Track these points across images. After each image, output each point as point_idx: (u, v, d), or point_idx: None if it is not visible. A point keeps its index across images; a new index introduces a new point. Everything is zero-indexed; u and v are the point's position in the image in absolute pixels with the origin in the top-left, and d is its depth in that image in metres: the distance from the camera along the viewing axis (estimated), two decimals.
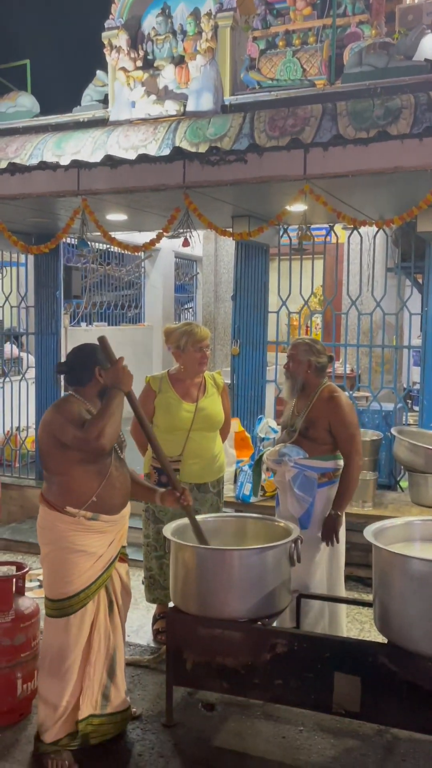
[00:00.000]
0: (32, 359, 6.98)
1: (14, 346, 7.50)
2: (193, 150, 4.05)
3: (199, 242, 9.27)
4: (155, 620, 4.20)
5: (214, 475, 4.02)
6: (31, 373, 6.86)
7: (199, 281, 11.25)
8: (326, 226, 5.73)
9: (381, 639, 3.02)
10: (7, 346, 7.36)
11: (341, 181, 3.80)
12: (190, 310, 12.59)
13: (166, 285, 10.72)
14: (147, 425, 3.18)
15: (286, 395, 3.87)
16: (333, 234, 5.69)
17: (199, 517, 3.39)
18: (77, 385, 3.05)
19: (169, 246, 10.31)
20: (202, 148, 4.05)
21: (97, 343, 3.03)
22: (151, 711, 3.37)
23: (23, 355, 7.43)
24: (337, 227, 5.90)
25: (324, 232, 5.85)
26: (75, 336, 8.20)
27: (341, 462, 3.73)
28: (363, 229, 5.55)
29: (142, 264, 10.53)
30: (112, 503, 3.00)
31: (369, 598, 4.77)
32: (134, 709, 3.30)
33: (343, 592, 3.84)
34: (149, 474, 3.98)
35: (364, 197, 4.39)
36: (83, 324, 9.56)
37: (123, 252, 10.53)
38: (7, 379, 6.82)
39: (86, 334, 8.51)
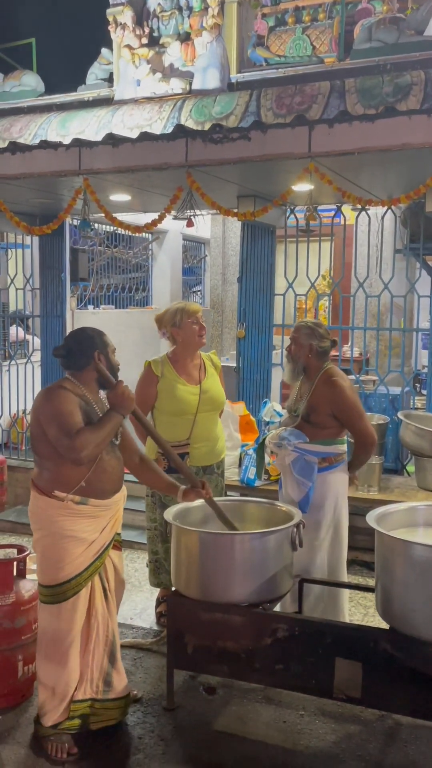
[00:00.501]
0: (38, 342, 6.96)
1: (20, 329, 7.47)
2: (198, 129, 3.96)
3: (205, 223, 9.17)
4: (158, 603, 4.19)
5: (217, 457, 4.02)
6: (37, 356, 6.83)
7: (207, 264, 11.16)
8: (334, 207, 5.64)
9: (384, 624, 2.99)
10: (13, 329, 7.33)
11: (347, 159, 3.71)
12: (198, 293, 12.51)
13: (174, 268, 10.62)
14: (158, 437, 3.22)
15: (287, 378, 3.84)
16: (342, 215, 5.60)
17: (200, 502, 3.36)
18: (74, 369, 2.99)
19: (177, 228, 10.21)
20: (208, 127, 3.96)
21: (96, 327, 3.00)
22: (152, 694, 3.36)
23: (29, 338, 7.39)
24: (346, 208, 5.81)
25: (332, 213, 5.76)
26: (82, 319, 8.17)
27: (343, 447, 3.70)
28: (372, 210, 5.46)
29: (149, 246, 10.44)
30: (102, 488, 2.95)
31: (373, 582, 4.75)
32: (135, 692, 3.30)
33: (344, 576, 3.81)
34: (157, 460, 3.94)
35: (371, 176, 4.30)
36: (90, 307, 9.49)
37: (131, 234, 10.47)
38: (13, 362, 6.80)
39: (93, 317, 8.45)
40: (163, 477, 3.28)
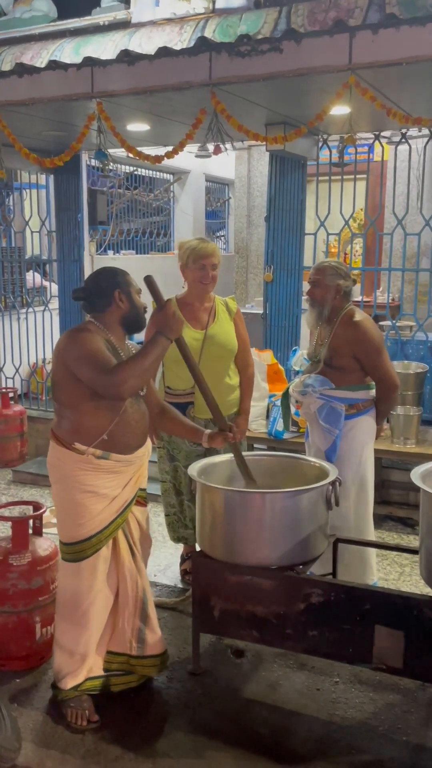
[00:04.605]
0: (56, 288, 6.68)
1: (37, 275, 7.18)
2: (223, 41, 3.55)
3: (228, 157, 8.66)
4: (183, 560, 4.01)
5: (227, 410, 3.66)
6: (55, 303, 6.57)
7: (232, 206, 10.71)
8: (368, 142, 5.20)
9: (423, 586, 2.75)
10: (30, 275, 7.05)
11: (392, 72, 3.28)
12: (222, 237, 12.09)
13: (197, 210, 10.19)
14: (198, 373, 2.93)
15: (311, 324, 3.57)
16: (381, 149, 5.15)
17: (226, 457, 3.13)
18: (95, 311, 2.76)
19: (200, 168, 9.76)
20: (233, 41, 3.55)
21: (115, 267, 2.76)
22: (178, 657, 3.19)
23: (47, 284, 7.12)
24: (382, 141, 5.36)
25: (366, 149, 5.32)
26: (102, 264, 7.84)
27: (371, 393, 3.45)
28: (411, 140, 5.02)
29: (171, 188, 10.01)
30: (126, 442, 2.73)
31: (409, 539, 4.53)
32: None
33: (371, 532, 3.61)
34: None
35: (417, 93, 3.84)
36: (110, 252, 9.16)
37: (152, 176, 10.02)
38: (31, 309, 6.55)
39: (113, 262, 8.14)
40: (186, 423, 3.08)
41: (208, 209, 11.05)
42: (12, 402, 6.09)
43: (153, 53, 3.72)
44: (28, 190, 6.45)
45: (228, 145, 5.15)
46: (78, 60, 4.21)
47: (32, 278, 7.03)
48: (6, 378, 6.73)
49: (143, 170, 9.48)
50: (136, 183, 9.70)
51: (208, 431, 3.00)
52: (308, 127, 3.69)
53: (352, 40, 3.24)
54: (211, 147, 4.45)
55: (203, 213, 10.54)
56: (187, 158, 6.41)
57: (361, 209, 7.00)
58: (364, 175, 5.52)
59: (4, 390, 6.11)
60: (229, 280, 9.65)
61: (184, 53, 3.65)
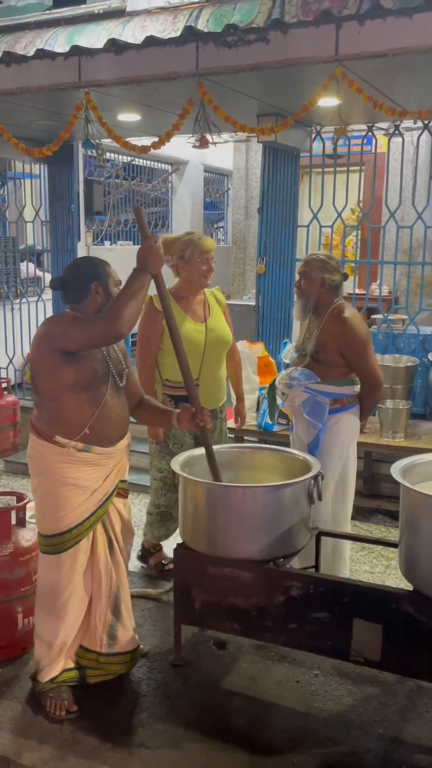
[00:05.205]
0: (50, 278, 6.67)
1: (31, 265, 7.17)
2: (210, 31, 3.52)
3: (224, 145, 8.61)
4: (148, 554, 3.96)
5: (221, 400, 3.76)
6: (49, 294, 6.56)
7: (231, 197, 10.67)
8: (362, 134, 5.16)
9: (407, 585, 2.75)
10: (24, 265, 7.03)
11: (379, 63, 3.25)
12: (221, 229, 12.05)
13: (195, 201, 10.15)
14: (175, 326, 2.79)
15: (296, 315, 3.60)
16: (374, 140, 5.12)
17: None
18: (73, 302, 2.76)
19: (198, 159, 9.72)
20: (221, 29, 3.51)
21: (113, 264, 2.74)
22: (160, 648, 3.20)
23: (41, 274, 7.10)
24: (378, 134, 5.33)
25: (362, 141, 5.29)
26: (98, 255, 7.81)
27: (355, 388, 3.46)
28: (406, 133, 4.98)
29: (169, 179, 9.97)
30: (106, 435, 2.73)
31: (397, 533, 4.53)
32: (141, 646, 3.14)
33: (348, 526, 3.62)
34: (163, 403, 3.69)
35: (406, 85, 3.80)
36: (107, 243, 9.15)
37: (151, 166, 9.97)
38: (25, 299, 6.54)
39: (110, 253, 8.13)
40: (160, 409, 3.02)
41: (207, 200, 11.01)
42: (5, 392, 6.09)
43: (140, 43, 3.68)
44: (26, 180, 6.42)
45: (225, 136, 5.11)
46: (68, 49, 4.19)
47: (26, 268, 7.02)
48: None
49: (141, 160, 9.44)
50: (134, 173, 9.66)
51: (176, 411, 2.91)
52: (294, 118, 3.66)
53: (338, 30, 3.21)
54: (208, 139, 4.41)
55: (201, 204, 10.50)
56: (185, 148, 6.39)
57: (360, 202, 6.98)
58: (362, 167, 5.49)
59: None
60: (226, 272, 9.63)
61: (170, 43, 3.62)
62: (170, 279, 3.36)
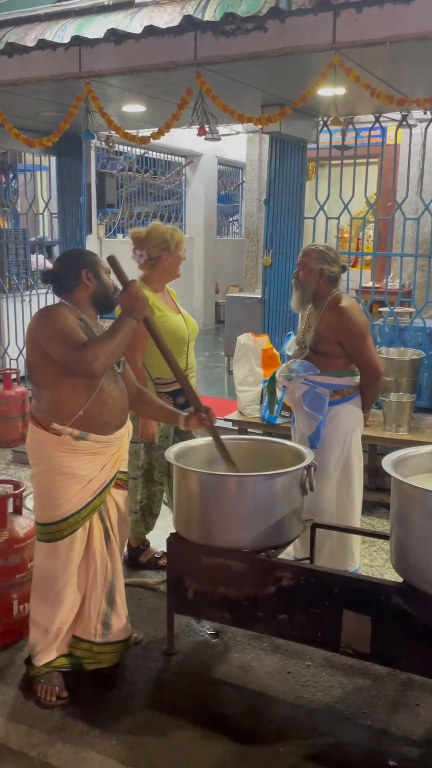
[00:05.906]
0: None
1: (41, 257, 7.21)
2: (209, 20, 3.49)
3: (236, 136, 8.57)
4: (137, 553, 3.95)
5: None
6: None
7: (245, 190, 10.63)
8: (369, 125, 5.10)
9: (398, 577, 2.73)
10: (35, 257, 7.08)
11: (378, 51, 3.21)
12: (236, 222, 12.01)
13: (209, 194, 10.13)
14: (168, 352, 2.90)
15: (294, 306, 3.58)
16: (385, 131, 5.07)
17: (204, 441, 3.14)
18: (65, 293, 2.78)
19: (212, 151, 9.69)
20: (219, 17, 3.49)
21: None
22: (153, 636, 3.22)
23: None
24: (389, 125, 5.27)
25: (368, 132, 5.23)
26: (111, 248, 7.85)
27: (355, 379, 3.44)
28: (418, 125, 4.92)
29: (182, 171, 9.96)
30: (103, 421, 2.74)
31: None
32: (136, 635, 3.16)
33: (357, 520, 3.57)
34: (159, 397, 3.71)
35: (407, 73, 3.76)
36: (119, 236, 9.16)
37: (166, 159, 9.96)
38: (35, 291, 6.59)
39: (122, 246, 8.14)
40: (163, 406, 3.08)
41: (222, 193, 10.99)
42: (15, 383, 6.14)
43: (139, 32, 3.68)
44: (38, 172, 6.45)
45: (238, 128, 5.06)
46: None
47: (36, 260, 7.07)
48: (10, 359, 6.80)
49: (154, 153, 9.43)
50: (148, 166, 9.66)
51: (183, 413, 3.00)
52: (293, 107, 3.63)
53: (336, 18, 3.18)
54: (220, 129, 4.39)
55: (215, 197, 10.47)
56: (198, 141, 6.39)
57: (374, 194, 6.92)
58: (373, 159, 5.44)
59: (7, 371, 6.17)
60: (239, 266, 9.61)
61: (169, 32, 3.62)
62: (134, 272, 3.31)
